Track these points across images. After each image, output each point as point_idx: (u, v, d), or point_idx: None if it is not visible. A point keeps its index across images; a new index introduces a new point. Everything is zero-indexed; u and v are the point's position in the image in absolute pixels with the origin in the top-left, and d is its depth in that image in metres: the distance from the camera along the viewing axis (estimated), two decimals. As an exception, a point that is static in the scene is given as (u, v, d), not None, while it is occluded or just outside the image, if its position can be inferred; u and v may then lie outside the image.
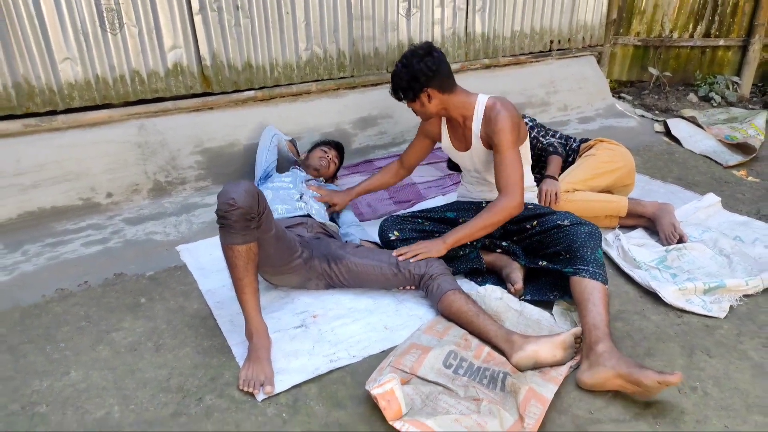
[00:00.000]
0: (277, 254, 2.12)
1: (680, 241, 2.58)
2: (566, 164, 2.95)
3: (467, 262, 2.39)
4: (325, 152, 3.04)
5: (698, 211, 2.87)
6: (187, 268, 2.54)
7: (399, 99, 2.30)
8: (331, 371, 1.91)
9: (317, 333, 2.10)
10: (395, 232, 2.40)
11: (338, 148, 3.17)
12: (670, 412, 1.72)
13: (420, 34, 3.78)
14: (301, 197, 2.61)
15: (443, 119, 2.45)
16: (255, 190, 1.91)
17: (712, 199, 2.97)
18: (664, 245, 2.60)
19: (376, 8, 3.55)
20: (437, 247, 2.21)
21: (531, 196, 2.50)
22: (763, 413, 1.71)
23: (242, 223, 1.85)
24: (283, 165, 3.05)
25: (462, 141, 2.40)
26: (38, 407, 1.79)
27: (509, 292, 2.24)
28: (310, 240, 2.33)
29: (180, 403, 1.81)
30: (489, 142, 2.28)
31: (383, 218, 2.51)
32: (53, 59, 2.81)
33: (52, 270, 2.52)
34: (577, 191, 2.69)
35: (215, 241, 2.62)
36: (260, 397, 1.79)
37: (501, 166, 2.18)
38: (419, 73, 2.18)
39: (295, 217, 2.48)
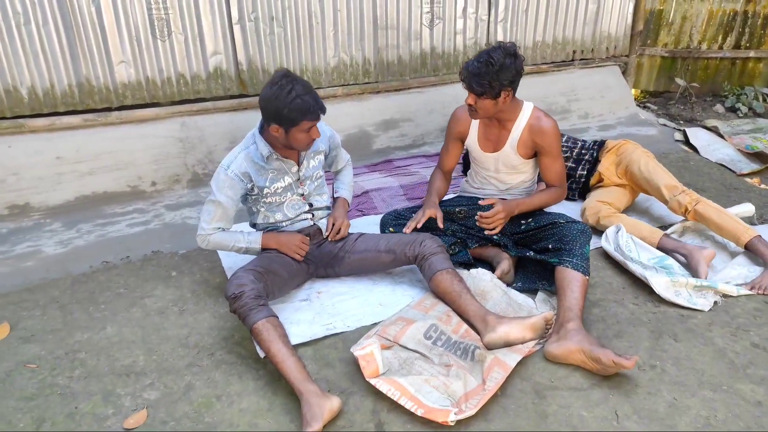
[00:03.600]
0: (286, 290, 2.37)
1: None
2: (581, 162, 3.10)
3: (457, 259, 2.52)
4: (311, 126, 2.15)
5: None
6: (214, 248, 2.85)
7: (478, 91, 2.23)
8: (326, 337, 2.16)
9: (319, 306, 2.35)
10: (390, 229, 2.59)
11: (317, 99, 2.13)
12: (625, 384, 1.88)
13: (442, 44, 4.02)
14: (310, 207, 2.45)
15: (474, 120, 2.47)
16: (252, 275, 2.09)
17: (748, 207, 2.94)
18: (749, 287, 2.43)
19: (400, 19, 3.81)
20: (506, 210, 2.41)
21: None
22: (712, 389, 1.85)
23: (255, 301, 2.00)
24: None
25: (493, 142, 2.47)
26: (78, 354, 2.12)
27: (497, 276, 2.42)
28: (312, 251, 2.44)
29: (195, 356, 2.10)
30: (527, 148, 2.43)
31: (385, 213, 2.69)
32: (111, 62, 3.21)
33: (100, 246, 2.89)
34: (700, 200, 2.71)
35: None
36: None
37: (554, 165, 2.47)
38: (512, 71, 2.20)
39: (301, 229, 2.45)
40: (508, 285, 2.42)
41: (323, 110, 2.15)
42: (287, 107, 2.06)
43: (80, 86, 3.18)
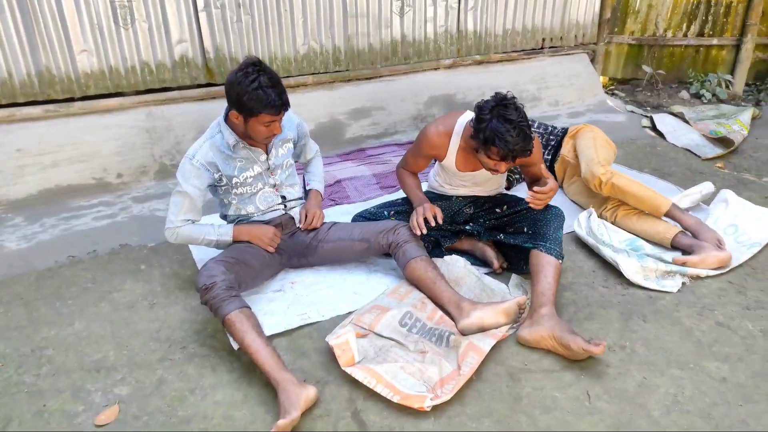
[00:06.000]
0: (258, 281, 2.34)
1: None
2: (548, 148, 3.14)
3: (432, 255, 2.49)
4: (272, 121, 2.09)
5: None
6: (184, 240, 2.80)
7: (527, 155, 2.15)
8: (301, 327, 2.15)
9: (293, 296, 2.33)
10: None
11: (282, 95, 2.07)
12: (596, 365, 1.91)
13: (413, 32, 4.00)
14: (282, 199, 2.42)
15: (453, 144, 2.36)
16: (223, 266, 2.06)
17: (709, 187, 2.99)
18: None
19: (370, 6, 3.78)
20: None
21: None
22: (680, 368, 1.90)
23: (226, 292, 1.96)
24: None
25: (473, 164, 2.37)
26: (45, 351, 2.07)
27: (494, 271, 2.46)
28: (284, 241, 2.42)
29: (167, 350, 2.07)
30: (509, 164, 2.35)
31: (355, 214, 2.65)
32: (72, 51, 3.11)
33: (66, 240, 2.81)
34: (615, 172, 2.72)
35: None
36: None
37: (540, 171, 2.39)
38: (527, 116, 2.12)
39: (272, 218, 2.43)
40: (503, 269, 2.46)
41: (286, 107, 2.09)
42: (247, 95, 2.00)
43: (40, 76, 3.08)
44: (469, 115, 2.28)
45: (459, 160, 2.38)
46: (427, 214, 2.27)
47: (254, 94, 2.00)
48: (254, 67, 2.03)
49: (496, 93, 2.13)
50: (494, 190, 2.59)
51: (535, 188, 2.18)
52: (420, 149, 2.43)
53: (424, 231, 2.25)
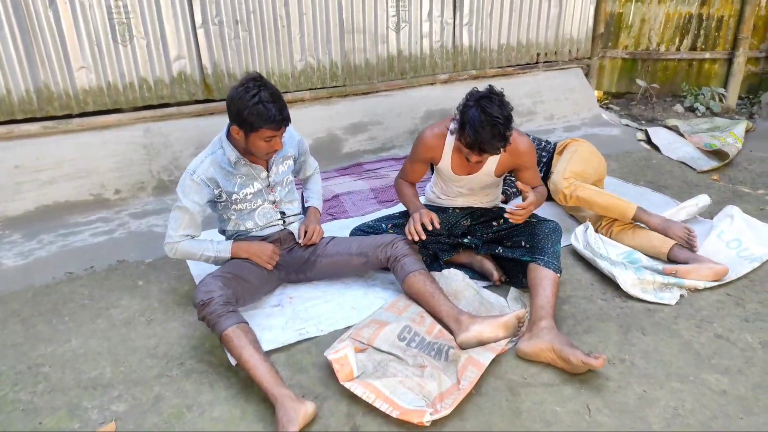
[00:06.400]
0: (256, 297, 2.34)
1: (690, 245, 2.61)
2: (540, 164, 3.14)
3: (430, 269, 2.49)
4: (272, 136, 2.09)
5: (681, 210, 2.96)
6: (182, 255, 2.79)
7: (498, 152, 2.19)
8: (299, 342, 2.14)
9: (291, 311, 2.32)
10: None
11: (283, 110, 2.06)
12: (596, 379, 1.91)
13: (409, 47, 4.04)
14: (282, 215, 2.42)
15: (448, 145, 2.39)
16: (221, 281, 2.06)
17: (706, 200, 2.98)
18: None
19: (366, 22, 3.82)
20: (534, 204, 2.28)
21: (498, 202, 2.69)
22: (680, 380, 1.90)
23: (224, 308, 1.96)
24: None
25: (468, 167, 2.39)
26: (42, 368, 2.05)
27: (493, 284, 2.46)
28: (284, 255, 2.42)
29: (164, 366, 2.05)
30: (504, 168, 2.41)
31: (353, 228, 2.64)
32: (70, 67, 3.12)
33: (63, 256, 2.80)
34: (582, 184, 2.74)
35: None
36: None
37: (535, 175, 2.47)
38: (510, 112, 2.14)
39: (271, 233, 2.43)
40: (502, 282, 2.46)
41: (286, 122, 2.09)
42: (248, 110, 2.01)
43: (38, 92, 3.09)
44: None
45: (454, 161, 2.41)
46: (424, 219, 2.28)
47: (255, 109, 2.00)
48: (255, 82, 2.04)
49: (489, 85, 2.19)
50: (490, 202, 2.61)
51: (516, 204, 2.25)
52: (416, 152, 2.47)
53: (423, 237, 2.25)
